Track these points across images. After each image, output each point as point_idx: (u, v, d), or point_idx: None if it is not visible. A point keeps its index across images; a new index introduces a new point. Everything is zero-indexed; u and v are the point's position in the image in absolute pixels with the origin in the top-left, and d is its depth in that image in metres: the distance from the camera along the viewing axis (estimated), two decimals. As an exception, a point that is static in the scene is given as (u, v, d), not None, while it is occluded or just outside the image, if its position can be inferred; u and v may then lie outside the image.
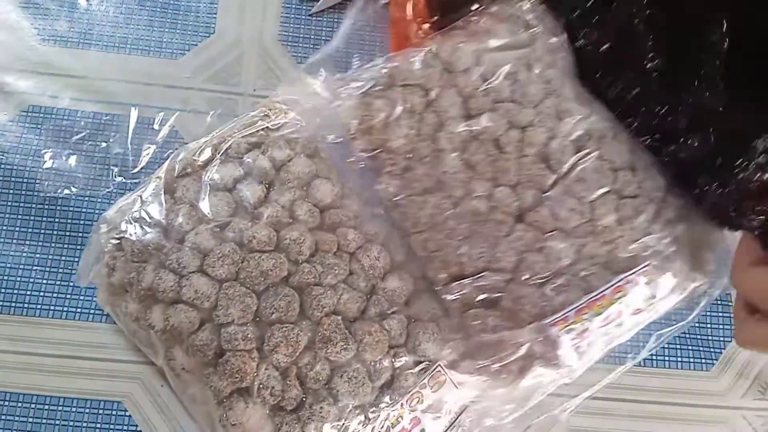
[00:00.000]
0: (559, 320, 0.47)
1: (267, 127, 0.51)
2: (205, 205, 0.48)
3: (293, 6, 0.61)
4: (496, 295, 0.48)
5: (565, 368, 0.47)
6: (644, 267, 0.48)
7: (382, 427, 0.45)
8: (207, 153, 0.50)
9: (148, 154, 0.56)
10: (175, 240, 0.47)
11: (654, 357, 0.58)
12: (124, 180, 0.56)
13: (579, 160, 0.50)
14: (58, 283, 0.55)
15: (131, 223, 0.48)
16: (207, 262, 0.45)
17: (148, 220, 0.48)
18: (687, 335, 0.58)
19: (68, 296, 0.55)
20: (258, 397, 0.43)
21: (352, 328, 0.46)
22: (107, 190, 0.56)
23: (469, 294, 0.48)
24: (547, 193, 0.50)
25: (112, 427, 0.53)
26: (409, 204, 0.50)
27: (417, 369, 0.47)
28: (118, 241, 0.48)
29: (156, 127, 0.57)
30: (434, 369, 0.47)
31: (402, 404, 0.46)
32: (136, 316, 0.46)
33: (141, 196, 0.49)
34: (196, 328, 0.45)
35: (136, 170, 0.56)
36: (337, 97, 0.52)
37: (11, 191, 0.55)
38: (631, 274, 0.48)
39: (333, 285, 0.47)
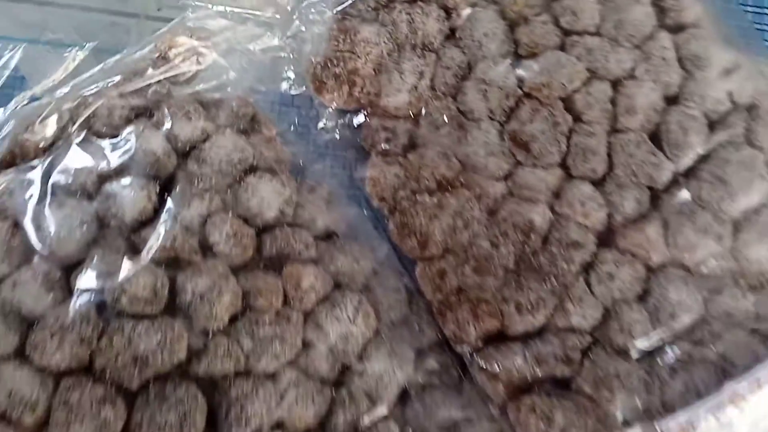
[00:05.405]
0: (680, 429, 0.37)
1: (165, 80, 0.40)
2: (44, 225, 0.36)
3: None
4: (566, 372, 0.38)
5: None
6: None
7: None
8: (52, 125, 0.38)
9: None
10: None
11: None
12: None
13: (717, 145, 0.41)
14: None
15: None
16: (33, 340, 0.34)
17: None
18: None
19: None
20: None
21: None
22: None
23: (520, 367, 0.38)
24: (659, 198, 0.40)
25: None
26: (416, 207, 0.40)
27: None
28: None
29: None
30: None
31: None
32: None
33: None
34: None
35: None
36: (300, 20, 0.42)
37: None
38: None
39: (272, 374, 0.35)
